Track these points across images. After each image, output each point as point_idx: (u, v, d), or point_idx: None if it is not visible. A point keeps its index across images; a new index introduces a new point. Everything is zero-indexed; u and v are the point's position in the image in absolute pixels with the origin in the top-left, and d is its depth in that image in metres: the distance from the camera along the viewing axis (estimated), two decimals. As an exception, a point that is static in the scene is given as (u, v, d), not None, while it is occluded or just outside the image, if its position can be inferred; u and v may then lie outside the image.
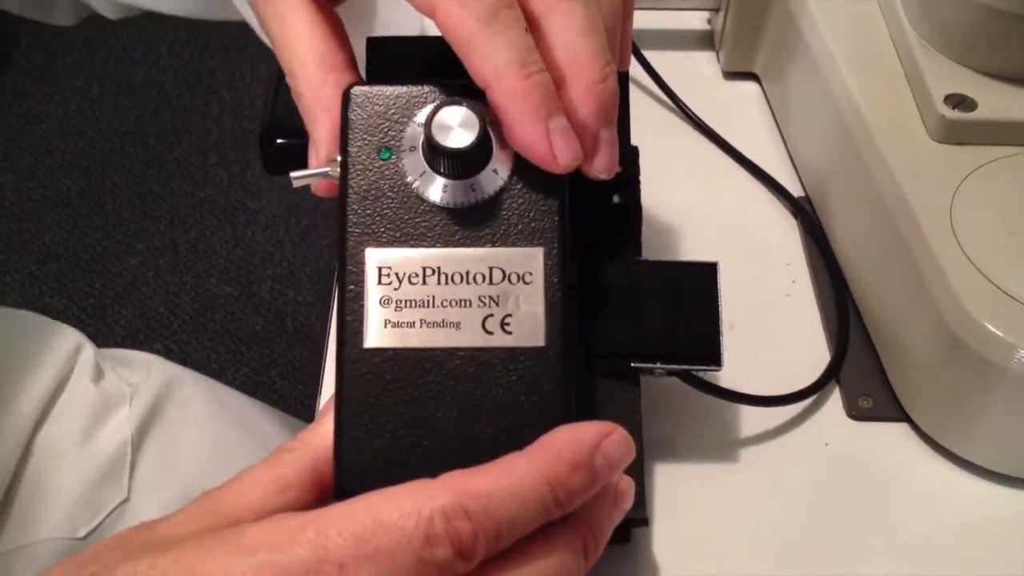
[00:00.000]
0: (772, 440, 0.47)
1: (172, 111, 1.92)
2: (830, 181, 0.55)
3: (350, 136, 0.37)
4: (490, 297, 0.36)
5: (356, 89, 0.38)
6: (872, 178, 0.49)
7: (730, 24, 0.61)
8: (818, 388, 0.48)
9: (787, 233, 0.56)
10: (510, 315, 0.36)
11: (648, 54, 0.62)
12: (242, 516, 0.32)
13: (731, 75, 0.64)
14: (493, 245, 0.36)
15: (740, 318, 0.50)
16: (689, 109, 0.61)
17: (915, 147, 0.49)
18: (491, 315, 0.36)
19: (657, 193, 0.47)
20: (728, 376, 0.45)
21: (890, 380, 0.49)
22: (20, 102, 1.92)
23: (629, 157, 0.46)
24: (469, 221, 0.37)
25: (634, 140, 0.47)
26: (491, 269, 0.36)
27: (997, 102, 0.49)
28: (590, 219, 0.44)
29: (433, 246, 0.36)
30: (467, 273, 0.36)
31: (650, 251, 0.47)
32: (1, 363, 0.61)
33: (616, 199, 0.45)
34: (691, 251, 0.53)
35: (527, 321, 0.36)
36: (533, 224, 0.37)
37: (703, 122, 0.60)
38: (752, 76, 0.64)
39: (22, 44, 2.04)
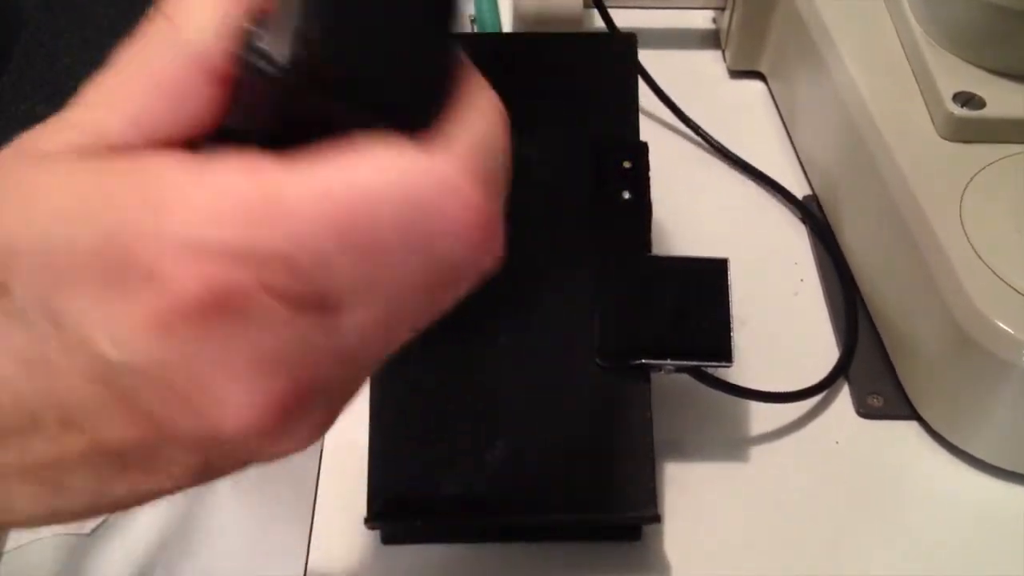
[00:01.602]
0: (782, 438, 0.47)
1: (171, 112, 1.91)
2: (838, 179, 0.55)
3: None
4: None
5: None
6: (881, 176, 0.49)
7: (736, 23, 0.61)
8: (827, 385, 0.48)
9: (795, 231, 0.56)
10: None
11: (653, 53, 0.62)
12: (125, 138, 0.23)
13: (737, 74, 0.64)
14: None
15: (748, 316, 0.49)
16: (702, 129, 0.60)
17: (924, 145, 0.49)
18: None
19: (666, 189, 0.47)
20: (737, 373, 0.45)
21: (899, 378, 0.49)
22: (19, 103, 1.92)
23: (639, 153, 0.46)
24: None
25: (643, 137, 0.47)
26: None
27: (1005, 100, 0.49)
28: (600, 215, 0.44)
29: None
30: None
31: (659, 247, 0.47)
32: None
33: (626, 195, 0.45)
34: (700, 248, 0.53)
35: None
36: None
37: (712, 138, 0.59)
38: (758, 75, 0.64)
39: (22, 45, 2.04)
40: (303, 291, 0.21)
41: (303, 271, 0.20)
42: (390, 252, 0.21)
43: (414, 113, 0.21)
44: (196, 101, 0.22)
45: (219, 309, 0.20)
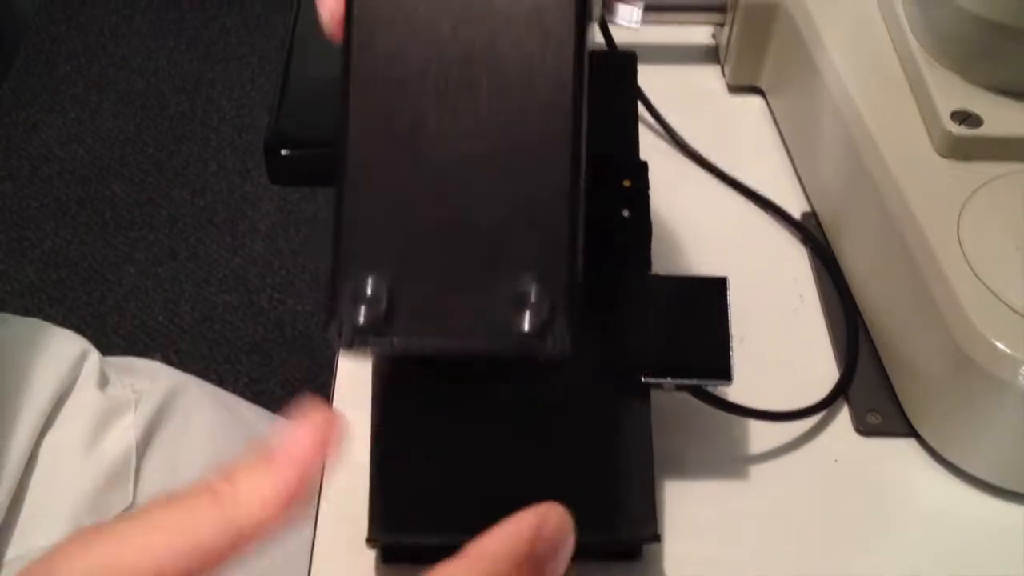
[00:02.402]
0: (782, 456, 0.47)
1: (171, 120, 1.92)
2: (836, 196, 0.55)
3: None
4: None
5: None
6: (879, 194, 0.49)
7: (734, 38, 0.62)
8: (827, 404, 0.48)
9: (794, 248, 0.56)
10: None
11: (653, 68, 0.63)
12: None
13: (736, 89, 0.64)
14: None
15: (748, 333, 0.50)
16: (699, 153, 0.60)
17: (922, 163, 0.49)
18: None
19: (665, 206, 0.47)
20: (736, 391, 0.45)
21: (898, 396, 0.49)
22: (19, 110, 1.92)
23: (638, 172, 0.46)
24: None
25: (642, 155, 0.47)
26: None
27: (1003, 118, 0.49)
28: (599, 233, 0.45)
29: None
30: None
31: (659, 266, 0.47)
32: (7, 369, 0.61)
33: (625, 213, 0.45)
34: (699, 265, 0.53)
35: None
36: None
37: (708, 160, 0.60)
38: (757, 90, 0.64)
39: (21, 52, 2.04)
40: None
41: None
42: None
43: None
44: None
45: None
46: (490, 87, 0.35)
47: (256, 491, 0.28)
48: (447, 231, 0.34)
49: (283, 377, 1.55)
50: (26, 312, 1.61)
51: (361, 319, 0.33)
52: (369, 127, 0.35)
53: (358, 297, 0.34)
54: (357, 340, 0.33)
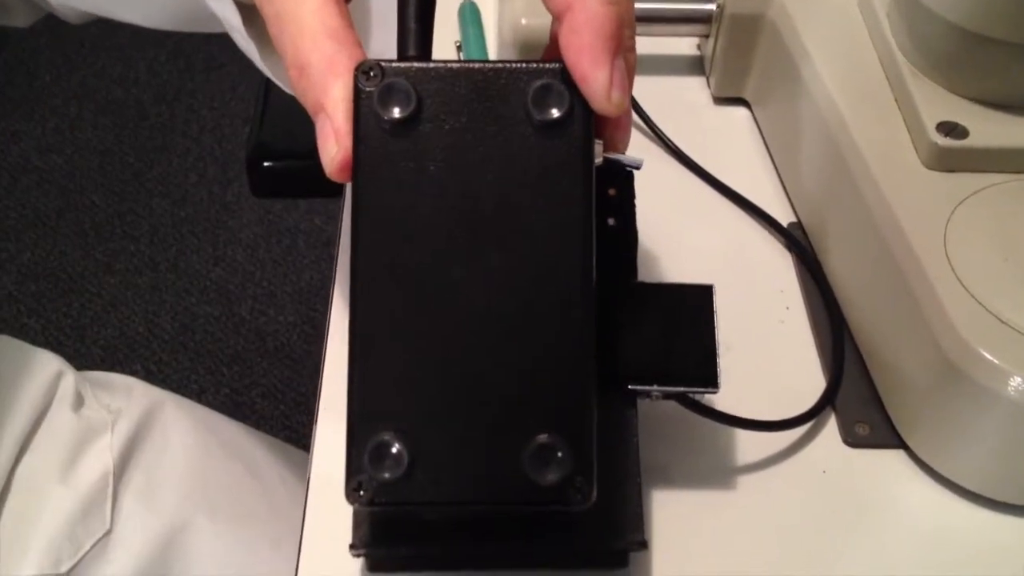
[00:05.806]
0: (769, 466, 0.47)
1: (152, 130, 1.91)
2: (823, 207, 0.55)
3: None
4: None
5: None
6: (865, 205, 0.49)
7: (719, 50, 0.62)
8: (815, 414, 0.48)
9: (781, 258, 0.56)
10: None
11: (638, 79, 0.62)
12: None
13: (721, 100, 0.64)
14: None
15: (735, 342, 0.49)
16: (689, 157, 0.60)
17: (908, 174, 0.49)
18: None
19: (651, 216, 0.47)
20: (723, 400, 0.45)
21: (886, 406, 0.49)
22: (-2, 121, 1.91)
23: (624, 180, 0.46)
24: None
25: (630, 162, 0.47)
26: None
27: (989, 129, 0.49)
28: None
29: None
30: None
31: (645, 274, 0.47)
32: None
33: (611, 222, 0.45)
34: (685, 274, 0.53)
35: None
36: None
37: (699, 165, 0.60)
38: (742, 102, 0.64)
39: (1, 62, 2.03)
40: None
41: None
42: None
43: None
44: None
45: None
46: (502, 243, 0.35)
47: None
48: (465, 386, 0.35)
49: (263, 388, 1.54)
50: (4, 324, 1.60)
51: (383, 478, 0.35)
52: (379, 282, 0.35)
53: (378, 456, 0.35)
54: (377, 498, 0.35)
